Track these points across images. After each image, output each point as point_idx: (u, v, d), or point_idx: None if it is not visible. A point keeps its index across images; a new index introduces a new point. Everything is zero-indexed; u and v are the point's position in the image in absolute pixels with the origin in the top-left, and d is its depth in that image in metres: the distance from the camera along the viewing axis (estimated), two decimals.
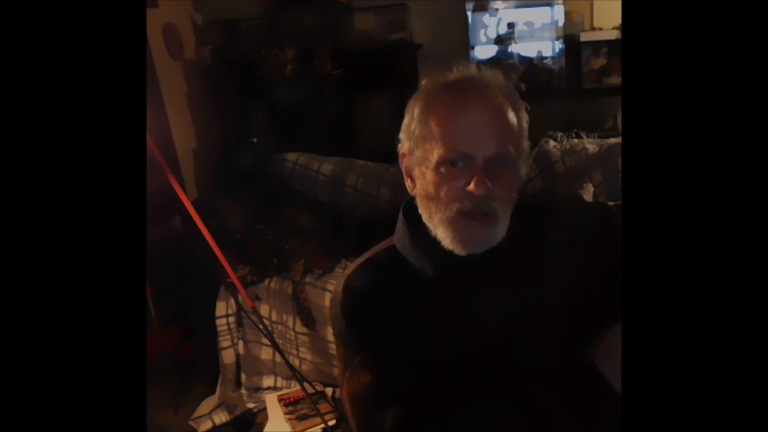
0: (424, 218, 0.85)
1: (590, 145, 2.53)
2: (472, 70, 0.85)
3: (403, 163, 0.89)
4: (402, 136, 0.87)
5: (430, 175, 0.82)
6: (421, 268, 0.86)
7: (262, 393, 2.32)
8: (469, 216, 0.80)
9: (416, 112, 0.84)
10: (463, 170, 0.79)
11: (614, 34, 2.99)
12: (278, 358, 2.26)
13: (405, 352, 0.80)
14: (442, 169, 0.80)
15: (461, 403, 0.76)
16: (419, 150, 0.83)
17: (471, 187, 0.78)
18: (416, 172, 0.85)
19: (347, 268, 0.93)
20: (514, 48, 3.21)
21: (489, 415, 0.76)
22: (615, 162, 2.38)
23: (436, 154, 0.80)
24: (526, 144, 0.85)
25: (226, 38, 3.32)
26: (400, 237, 0.90)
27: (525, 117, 0.84)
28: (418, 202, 0.86)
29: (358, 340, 0.85)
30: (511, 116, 0.82)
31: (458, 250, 0.82)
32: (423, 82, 0.86)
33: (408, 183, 0.89)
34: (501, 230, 0.82)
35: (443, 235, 0.82)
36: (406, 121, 0.86)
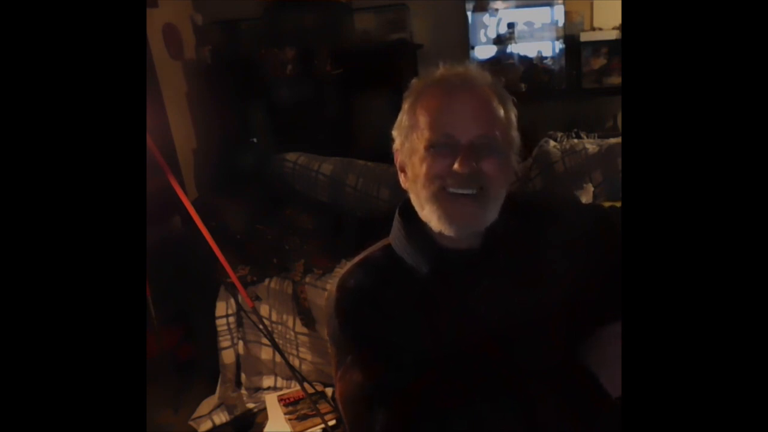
0: (415, 205, 0.87)
1: (590, 145, 2.52)
2: (459, 67, 0.87)
3: (397, 160, 0.91)
4: (394, 132, 0.90)
5: (418, 161, 0.84)
6: (416, 266, 0.86)
7: (262, 393, 2.32)
8: (455, 195, 0.81)
9: (406, 107, 0.87)
10: (447, 151, 0.81)
11: (614, 34, 2.99)
12: (278, 358, 2.26)
13: (401, 350, 0.81)
14: (430, 153, 0.82)
15: (459, 399, 0.77)
16: (408, 141, 0.86)
17: (456, 166, 0.80)
18: (407, 164, 0.87)
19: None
20: (514, 48, 3.21)
21: (487, 414, 0.76)
22: (615, 162, 2.38)
23: (423, 140, 0.82)
24: (515, 134, 0.87)
25: (226, 38, 3.32)
26: (395, 235, 0.91)
27: (513, 110, 0.86)
28: (410, 191, 0.88)
29: (351, 339, 0.85)
30: (496, 105, 0.84)
31: (447, 230, 0.83)
32: (413, 81, 0.89)
33: (401, 178, 0.91)
34: (490, 214, 0.83)
35: (430, 213, 0.83)
36: (398, 118, 0.88)
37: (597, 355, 0.77)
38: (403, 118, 0.87)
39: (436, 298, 0.84)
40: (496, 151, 0.83)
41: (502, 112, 0.84)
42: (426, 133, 0.82)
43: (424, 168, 0.82)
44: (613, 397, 0.75)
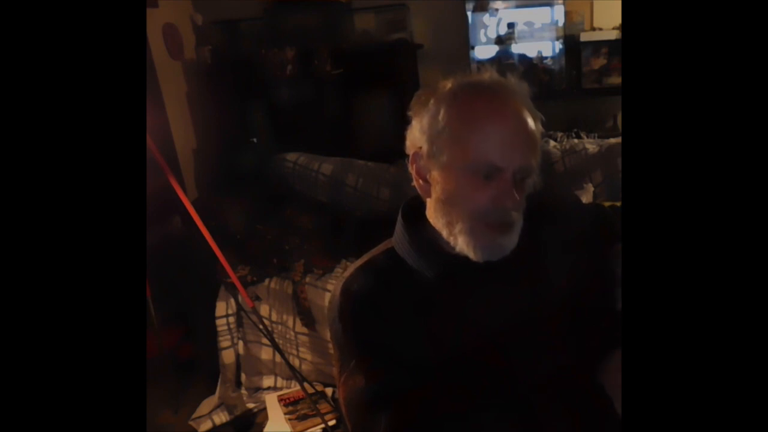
0: (440, 222, 0.84)
1: (590, 145, 2.53)
2: (495, 74, 0.84)
3: (416, 163, 0.86)
4: (420, 136, 0.84)
5: (454, 182, 0.81)
6: (419, 270, 0.86)
7: (262, 393, 2.32)
8: (492, 226, 0.81)
9: (442, 113, 0.81)
10: (491, 181, 0.79)
11: (614, 34, 2.99)
12: (278, 358, 2.26)
13: (403, 355, 0.80)
14: (471, 179, 0.80)
15: (459, 405, 0.76)
16: (444, 154, 0.81)
17: (501, 199, 0.79)
18: (435, 175, 0.83)
19: (347, 269, 0.93)
20: (514, 48, 3.21)
21: (487, 421, 0.75)
22: (615, 162, 2.39)
23: (464, 161, 0.79)
24: (539, 154, 0.85)
25: (226, 38, 3.32)
26: (398, 239, 0.90)
27: (540, 128, 0.84)
28: (435, 205, 0.85)
29: (355, 343, 0.85)
30: (534, 128, 0.82)
31: (477, 258, 0.82)
32: (449, 83, 0.83)
33: (419, 183, 0.87)
34: (516, 238, 0.83)
35: (464, 243, 0.82)
36: (427, 121, 0.82)
37: (613, 383, 0.76)
38: (438, 126, 0.81)
39: (440, 302, 0.84)
40: (529, 177, 0.82)
41: (537, 134, 0.82)
42: (469, 156, 0.79)
43: (469, 202, 0.80)
44: (616, 408, 0.75)
